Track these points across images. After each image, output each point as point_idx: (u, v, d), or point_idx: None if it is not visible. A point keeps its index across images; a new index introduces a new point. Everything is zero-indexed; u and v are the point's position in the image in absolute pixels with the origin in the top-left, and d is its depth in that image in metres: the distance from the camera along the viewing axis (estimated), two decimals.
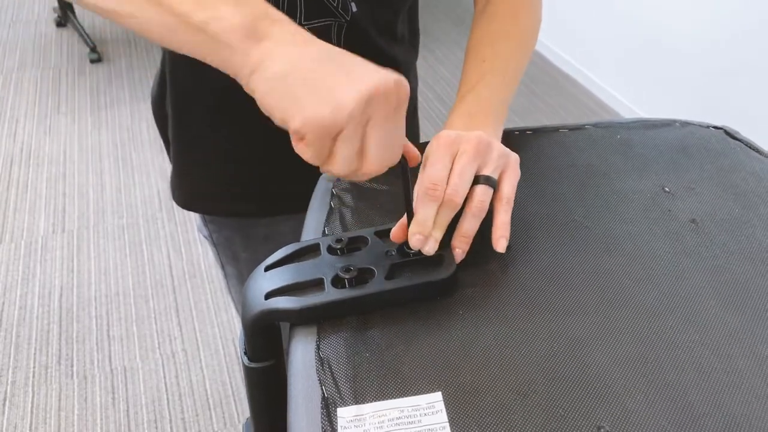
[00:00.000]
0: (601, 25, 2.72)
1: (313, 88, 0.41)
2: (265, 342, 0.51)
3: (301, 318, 0.48)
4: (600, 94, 2.79)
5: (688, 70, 2.30)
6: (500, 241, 0.52)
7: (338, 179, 0.63)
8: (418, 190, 0.52)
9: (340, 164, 0.43)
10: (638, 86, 2.58)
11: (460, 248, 0.51)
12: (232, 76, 0.45)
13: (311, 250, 0.52)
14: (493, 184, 0.52)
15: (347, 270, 0.48)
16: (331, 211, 0.59)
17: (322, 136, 0.41)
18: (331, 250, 0.51)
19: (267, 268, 0.50)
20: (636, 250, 0.54)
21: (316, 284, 0.49)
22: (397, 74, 0.42)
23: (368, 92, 0.40)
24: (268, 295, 0.48)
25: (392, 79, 0.42)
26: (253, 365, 0.51)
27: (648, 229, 0.56)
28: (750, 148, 0.67)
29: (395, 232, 0.52)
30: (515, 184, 0.54)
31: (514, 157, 0.55)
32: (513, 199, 0.53)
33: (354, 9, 0.68)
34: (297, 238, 0.85)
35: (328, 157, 0.43)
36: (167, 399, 1.58)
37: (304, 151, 0.43)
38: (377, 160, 0.43)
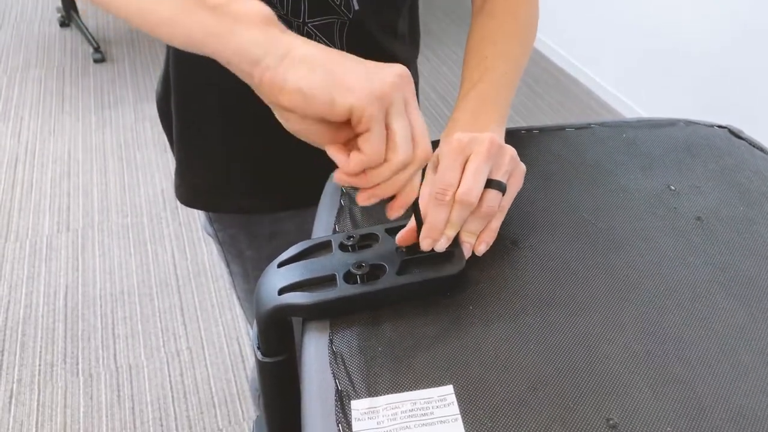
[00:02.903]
0: (603, 25, 2.73)
1: (351, 70, 0.41)
2: (278, 337, 0.52)
3: (313, 313, 0.49)
4: (601, 94, 2.80)
5: (690, 70, 2.31)
6: (481, 245, 0.53)
7: None
8: (428, 193, 0.52)
9: (402, 143, 0.42)
10: (640, 86, 2.59)
11: (468, 242, 0.52)
12: (244, 66, 0.42)
13: (323, 247, 0.53)
14: (504, 189, 0.53)
15: (359, 266, 0.49)
16: (341, 209, 0.60)
17: (379, 109, 0.41)
18: (342, 247, 0.52)
19: (280, 265, 0.51)
20: (643, 246, 0.55)
21: (329, 280, 0.49)
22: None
23: (399, 71, 0.42)
24: (282, 291, 0.49)
25: (404, 67, 0.43)
26: (266, 360, 0.52)
27: (654, 227, 0.57)
28: (754, 147, 0.68)
29: (402, 237, 0.52)
30: (515, 194, 0.56)
31: (522, 168, 0.56)
32: (507, 209, 0.55)
33: (356, 7, 0.68)
34: (302, 235, 0.86)
35: (389, 142, 0.42)
36: (172, 397, 1.59)
37: (366, 140, 0.41)
38: (424, 140, 0.44)
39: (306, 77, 0.40)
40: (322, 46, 0.43)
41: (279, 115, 0.44)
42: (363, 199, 0.45)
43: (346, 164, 0.43)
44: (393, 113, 0.42)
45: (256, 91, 0.44)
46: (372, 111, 0.40)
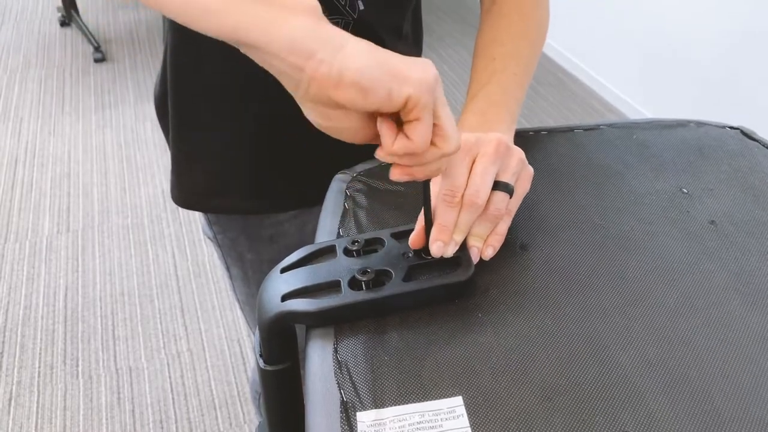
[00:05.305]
0: (606, 26, 2.71)
1: (402, 61, 0.42)
2: (281, 344, 0.50)
3: (317, 320, 0.47)
4: (605, 94, 2.79)
5: (693, 71, 2.30)
6: (488, 250, 0.52)
7: (351, 180, 0.62)
8: (435, 194, 0.51)
9: (451, 131, 0.44)
10: (643, 86, 2.58)
11: (475, 246, 0.51)
12: (294, 59, 0.39)
13: (327, 252, 0.52)
14: (511, 191, 0.52)
15: (364, 272, 0.48)
16: (345, 212, 0.59)
17: (431, 100, 0.41)
18: (347, 251, 0.51)
19: (283, 270, 0.50)
20: (655, 251, 0.53)
21: (333, 286, 0.48)
22: None
23: (432, 64, 0.43)
24: (285, 297, 0.47)
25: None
26: (269, 368, 0.51)
27: (666, 231, 0.55)
28: (767, 148, 0.66)
29: (414, 239, 0.51)
30: (522, 197, 0.55)
31: (530, 170, 0.55)
32: (515, 212, 0.54)
33: (361, 7, 0.67)
34: (303, 237, 0.85)
35: (439, 130, 0.43)
36: (172, 399, 1.57)
37: (415, 128, 0.42)
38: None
39: (363, 69, 0.39)
40: (367, 41, 0.42)
41: (319, 114, 0.42)
42: (397, 175, 0.45)
43: (390, 144, 0.42)
44: (439, 103, 0.43)
45: (296, 91, 0.41)
46: (427, 100, 0.41)
